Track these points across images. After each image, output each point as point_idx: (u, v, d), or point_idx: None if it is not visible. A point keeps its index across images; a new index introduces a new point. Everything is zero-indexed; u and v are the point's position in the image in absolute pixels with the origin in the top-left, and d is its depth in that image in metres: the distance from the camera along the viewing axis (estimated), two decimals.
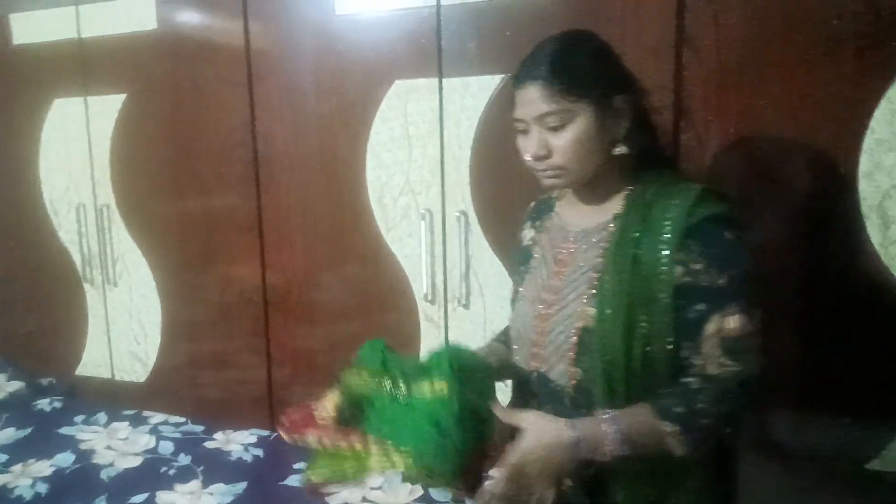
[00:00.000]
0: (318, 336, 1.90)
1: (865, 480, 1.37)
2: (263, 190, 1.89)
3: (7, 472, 1.74)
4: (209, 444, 1.87)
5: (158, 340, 2.14)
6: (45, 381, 2.27)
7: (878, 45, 1.27)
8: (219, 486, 1.65)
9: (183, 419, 2.03)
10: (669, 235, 0.99)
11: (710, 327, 0.97)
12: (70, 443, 1.89)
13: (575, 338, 1.03)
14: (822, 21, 1.30)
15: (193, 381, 2.10)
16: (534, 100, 1.02)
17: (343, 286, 1.84)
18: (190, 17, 1.92)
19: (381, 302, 1.80)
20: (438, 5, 1.60)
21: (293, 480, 1.66)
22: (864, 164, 1.30)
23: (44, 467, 1.75)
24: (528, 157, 1.05)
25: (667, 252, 0.99)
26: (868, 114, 1.29)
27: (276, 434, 1.92)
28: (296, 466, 1.71)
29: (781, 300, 1.38)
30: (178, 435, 1.92)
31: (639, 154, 1.07)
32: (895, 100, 1.27)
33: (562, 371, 1.05)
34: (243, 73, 1.86)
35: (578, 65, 1.03)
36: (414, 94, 1.67)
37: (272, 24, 1.82)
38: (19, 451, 1.83)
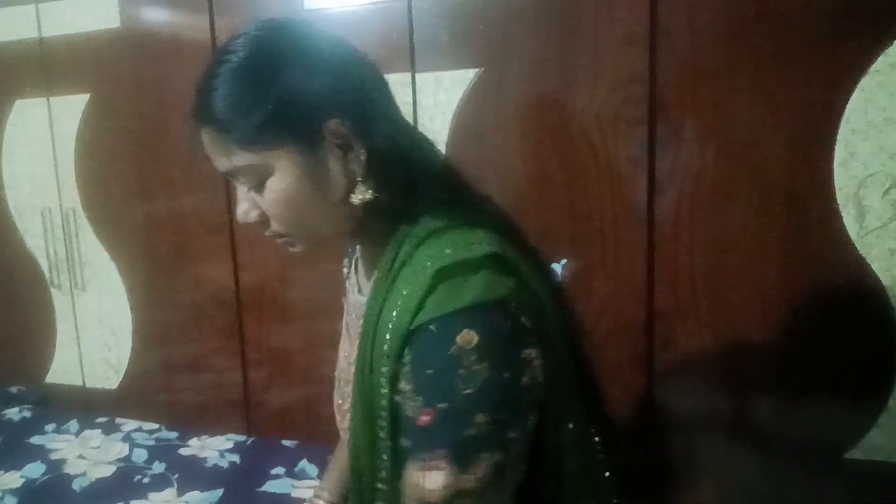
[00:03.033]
0: (294, 335, 1.86)
1: (845, 469, 1.37)
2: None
3: None
4: (184, 451, 1.83)
5: (130, 345, 2.09)
6: (13, 390, 2.21)
7: (851, 35, 1.26)
8: (194, 494, 1.61)
9: (157, 426, 1.99)
10: (388, 343, 0.70)
11: (409, 479, 0.68)
12: (40, 452, 1.83)
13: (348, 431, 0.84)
14: (797, 11, 1.29)
15: (167, 387, 2.05)
16: (211, 152, 0.76)
17: (317, 283, 1.81)
18: (154, 14, 1.86)
19: None
20: None
21: (270, 486, 1.63)
22: (840, 153, 1.30)
23: (13, 479, 1.70)
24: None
25: (385, 367, 0.71)
26: (843, 103, 1.28)
27: (252, 439, 1.89)
28: (273, 472, 1.68)
29: (758, 291, 1.38)
30: (151, 442, 1.88)
31: (396, 188, 0.76)
32: (868, 89, 1.27)
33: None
34: None
35: (244, 96, 0.71)
36: None
37: (239, 19, 1.76)
38: None
